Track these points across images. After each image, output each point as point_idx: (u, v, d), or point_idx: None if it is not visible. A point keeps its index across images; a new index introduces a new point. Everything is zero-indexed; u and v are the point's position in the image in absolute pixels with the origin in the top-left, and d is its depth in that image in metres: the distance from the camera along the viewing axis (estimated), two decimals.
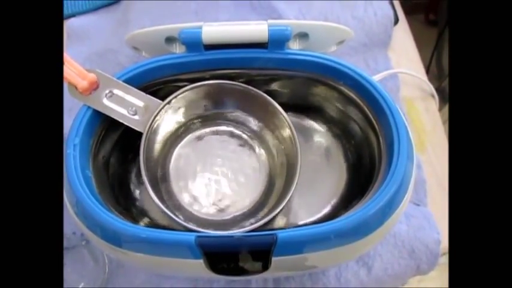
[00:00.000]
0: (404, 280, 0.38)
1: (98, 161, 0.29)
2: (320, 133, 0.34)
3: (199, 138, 0.33)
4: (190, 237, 0.23)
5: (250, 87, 0.31)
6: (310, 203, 0.32)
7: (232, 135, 0.34)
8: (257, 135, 0.33)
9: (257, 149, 0.33)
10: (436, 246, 0.37)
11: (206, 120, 0.33)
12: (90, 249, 0.37)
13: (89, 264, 0.37)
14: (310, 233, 0.24)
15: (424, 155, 0.42)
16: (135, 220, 0.31)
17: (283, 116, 0.30)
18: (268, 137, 0.33)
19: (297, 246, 0.24)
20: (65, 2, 0.49)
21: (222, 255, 0.24)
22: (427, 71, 0.70)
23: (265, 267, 0.25)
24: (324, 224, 0.24)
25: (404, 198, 0.27)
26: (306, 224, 0.30)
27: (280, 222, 0.31)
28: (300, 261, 0.25)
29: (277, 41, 0.29)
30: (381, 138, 0.28)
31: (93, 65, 0.44)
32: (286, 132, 0.31)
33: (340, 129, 0.33)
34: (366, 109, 0.30)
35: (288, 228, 0.27)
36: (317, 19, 0.45)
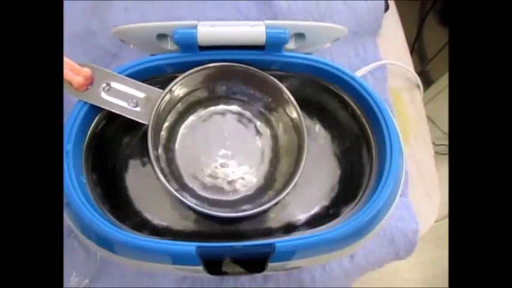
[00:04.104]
0: (382, 265, 0.41)
1: (93, 163, 0.28)
2: (316, 132, 0.34)
3: (204, 121, 0.33)
4: (191, 247, 0.24)
5: (252, 68, 0.30)
6: (305, 197, 0.32)
7: (236, 116, 0.33)
8: (262, 116, 0.33)
9: (262, 130, 0.33)
10: (414, 235, 0.39)
11: (209, 104, 0.33)
12: (80, 241, 0.37)
13: (80, 254, 0.37)
14: (306, 243, 0.25)
15: (407, 146, 0.43)
16: (127, 218, 0.31)
17: (288, 96, 0.30)
18: (273, 117, 0.33)
19: (292, 254, 0.25)
20: None
21: (222, 264, 0.25)
22: (411, 51, 0.71)
23: (260, 271, 0.26)
24: (319, 233, 0.25)
25: (395, 201, 0.28)
26: (302, 225, 0.31)
27: (276, 215, 0.32)
28: (292, 264, 0.26)
29: (274, 43, 0.28)
30: (373, 146, 0.29)
31: (74, 48, 0.42)
32: (292, 113, 0.31)
33: (335, 130, 0.34)
34: (359, 114, 0.30)
35: (286, 235, 0.28)
36: (308, 4, 0.44)
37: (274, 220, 0.31)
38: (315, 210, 0.32)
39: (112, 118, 0.30)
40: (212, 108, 0.33)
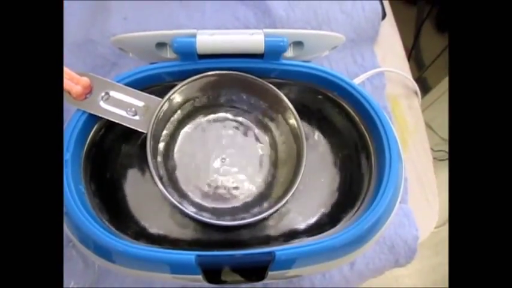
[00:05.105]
0: (382, 272, 0.41)
1: (92, 172, 0.28)
2: (314, 139, 0.34)
3: (203, 129, 0.33)
4: (191, 256, 0.24)
5: (251, 76, 0.30)
6: (304, 205, 0.32)
7: (235, 124, 0.33)
8: (261, 124, 0.33)
9: (261, 137, 0.33)
10: (414, 242, 0.39)
11: (208, 112, 0.33)
12: (79, 250, 0.37)
13: (78, 263, 0.37)
14: (306, 251, 0.25)
15: (406, 152, 0.44)
16: (126, 227, 0.31)
17: (286, 104, 0.30)
18: (272, 125, 0.33)
19: (292, 262, 0.25)
20: None
21: (221, 272, 0.25)
22: (409, 57, 0.71)
23: (260, 279, 0.26)
24: (319, 241, 0.25)
25: (395, 208, 0.28)
26: (302, 233, 0.31)
27: (276, 223, 0.32)
28: (292, 273, 0.26)
29: (273, 52, 0.29)
30: (372, 154, 0.29)
31: (73, 57, 0.42)
32: (291, 120, 0.31)
33: (334, 137, 0.34)
34: (358, 121, 0.30)
35: (286, 243, 0.28)
36: (306, 13, 0.44)
37: (274, 228, 0.31)
38: (315, 218, 0.32)
39: (111, 127, 0.30)
40: (211, 116, 0.33)
